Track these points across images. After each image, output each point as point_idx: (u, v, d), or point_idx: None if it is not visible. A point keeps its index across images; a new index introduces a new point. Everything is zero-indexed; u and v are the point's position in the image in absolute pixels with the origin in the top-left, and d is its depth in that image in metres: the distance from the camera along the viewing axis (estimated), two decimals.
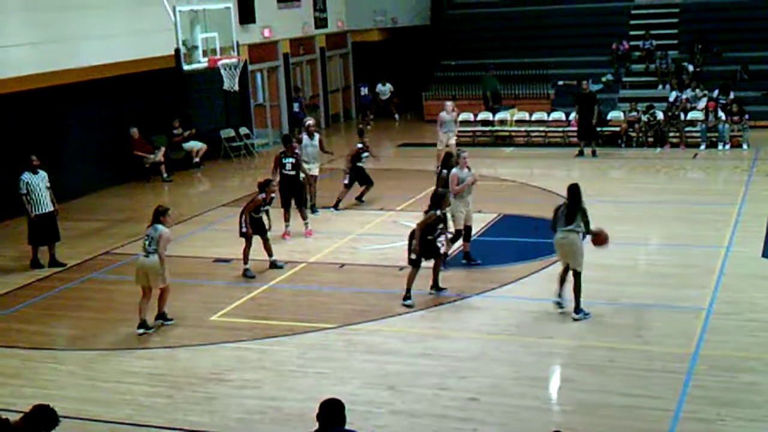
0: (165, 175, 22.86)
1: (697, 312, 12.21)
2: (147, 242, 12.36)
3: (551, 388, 10.59)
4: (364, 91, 31.23)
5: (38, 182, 15.57)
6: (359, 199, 19.33)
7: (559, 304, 12.45)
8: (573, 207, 12.21)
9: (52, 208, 15.81)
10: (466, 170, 14.52)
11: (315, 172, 18.56)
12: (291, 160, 16.97)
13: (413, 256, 13.10)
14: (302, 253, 15.73)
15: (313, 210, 18.40)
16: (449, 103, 22.27)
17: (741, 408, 9.51)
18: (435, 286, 13.49)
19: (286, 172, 16.85)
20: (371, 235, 16.94)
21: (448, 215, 13.94)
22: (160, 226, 12.29)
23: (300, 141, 18.39)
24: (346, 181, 18.91)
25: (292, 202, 17.01)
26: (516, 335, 11.81)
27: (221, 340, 12.13)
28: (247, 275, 14.64)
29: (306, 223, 17.07)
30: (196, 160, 24.30)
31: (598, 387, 10.20)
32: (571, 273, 12.27)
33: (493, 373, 10.69)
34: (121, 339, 12.44)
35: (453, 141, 21.68)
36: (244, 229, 14.62)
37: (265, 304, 13.52)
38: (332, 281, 14.47)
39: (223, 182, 22.99)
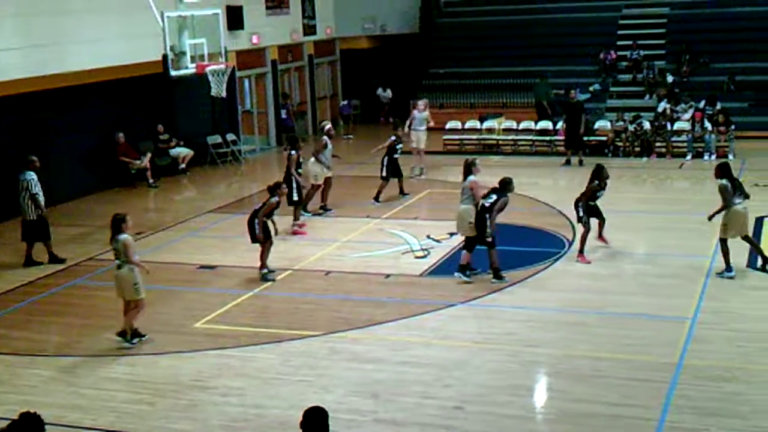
0: (151, 181, 22.79)
1: (682, 322, 12.22)
2: (115, 255, 12.18)
3: (536, 397, 10.56)
4: (344, 103, 31.26)
5: (38, 181, 15.97)
6: (401, 193, 20.07)
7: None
8: (735, 181, 14.02)
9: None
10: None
11: (329, 174, 19.13)
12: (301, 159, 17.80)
13: (489, 238, 13.91)
14: (288, 260, 15.67)
15: (326, 210, 19.11)
16: (421, 102, 23.14)
17: (725, 418, 9.50)
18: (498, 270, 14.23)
19: (301, 170, 17.64)
20: (357, 242, 16.90)
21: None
22: (121, 236, 12.02)
23: (324, 146, 18.81)
24: (384, 174, 19.60)
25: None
26: (501, 343, 11.77)
27: (205, 347, 12.05)
28: (267, 279, 14.63)
29: (295, 224, 17.52)
30: (183, 166, 24.24)
31: (582, 396, 10.19)
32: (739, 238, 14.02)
33: (477, 382, 10.66)
34: (104, 345, 12.33)
35: (423, 142, 22.53)
36: (258, 234, 14.66)
37: (249, 312, 13.46)
38: (317, 288, 14.41)
39: (210, 189, 22.93)
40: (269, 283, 14.54)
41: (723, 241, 13.99)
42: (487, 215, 13.91)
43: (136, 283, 12.03)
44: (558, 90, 28.05)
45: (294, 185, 17.38)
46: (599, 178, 15.30)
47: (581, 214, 15.18)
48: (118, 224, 12.10)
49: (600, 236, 15.60)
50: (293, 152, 17.66)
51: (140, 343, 12.21)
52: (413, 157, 22.81)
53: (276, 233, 15.17)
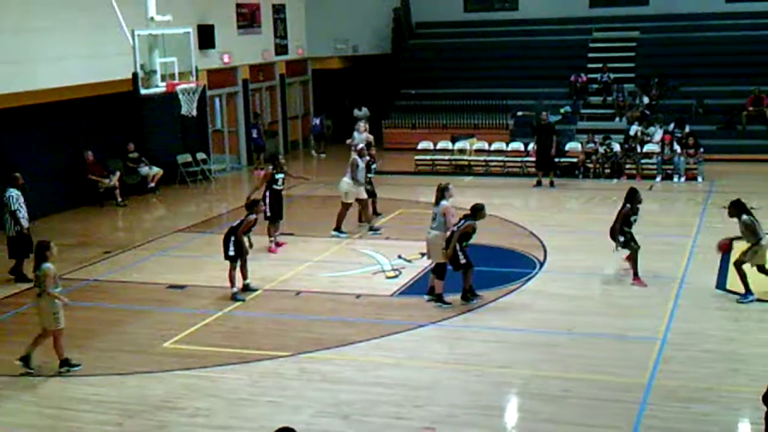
0: (119, 199, 22.62)
1: (652, 342, 12.25)
2: (34, 283, 11.90)
3: (506, 417, 10.52)
4: (316, 121, 31.33)
5: (22, 199, 16.20)
6: (375, 213, 19.87)
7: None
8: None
9: (27, 225, 16.30)
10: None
11: (364, 195, 18.93)
12: (282, 175, 17.67)
13: (462, 261, 13.73)
14: (258, 280, 15.55)
15: (374, 229, 18.84)
16: (361, 124, 23.43)
17: None
18: (471, 292, 14.07)
19: (278, 187, 17.59)
20: (328, 262, 16.83)
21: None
22: (44, 265, 11.70)
23: (355, 165, 18.71)
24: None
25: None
26: (471, 364, 11.74)
27: (173, 368, 11.93)
28: (237, 298, 14.53)
29: (272, 240, 17.59)
30: (152, 184, 24.09)
31: (552, 417, 10.17)
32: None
33: (447, 402, 10.62)
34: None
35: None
36: (231, 252, 14.54)
37: (218, 332, 13.34)
38: (288, 308, 14.32)
39: (179, 207, 22.78)
40: (239, 303, 14.44)
41: (741, 265, 13.71)
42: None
43: (56, 313, 11.68)
44: (529, 112, 28.20)
45: (267, 201, 17.37)
46: (632, 201, 14.82)
47: (622, 239, 14.75)
48: (41, 252, 11.81)
49: (628, 257, 15.13)
50: (270, 168, 17.78)
51: (66, 371, 11.84)
52: None
53: (251, 246, 15.00)
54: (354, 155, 19.02)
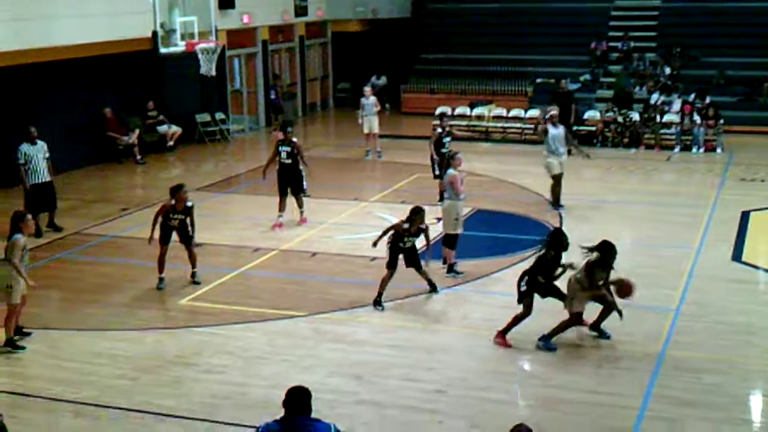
0: (138, 157, 22.71)
1: (666, 313, 12.29)
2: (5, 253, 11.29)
3: (516, 382, 10.60)
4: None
5: (36, 153, 16.24)
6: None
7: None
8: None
9: (49, 178, 16.37)
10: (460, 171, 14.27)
11: (561, 169, 17.76)
12: (287, 148, 16.39)
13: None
14: (275, 240, 15.66)
15: (558, 206, 17.70)
16: (368, 89, 23.52)
17: (704, 408, 9.59)
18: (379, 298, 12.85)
19: (282, 160, 16.43)
20: (345, 224, 16.89)
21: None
22: (15, 235, 11.13)
23: (545, 132, 17.73)
24: (436, 172, 17.86)
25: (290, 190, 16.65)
26: (485, 329, 11.78)
27: (189, 324, 12.07)
28: (159, 287, 13.46)
29: (302, 211, 16.77)
30: (171, 143, 24.15)
31: (563, 383, 10.24)
32: None
33: (460, 366, 10.70)
34: (89, 319, 12.34)
35: (376, 126, 22.99)
36: (157, 235, 13.49)
37: (235, 290, 13.45)
38: (303, 269, 14.42)
39: (197, 167, 22.84)
40: (257, 261, 14.50)
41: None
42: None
43: (10, 286, 11.15)
44: (548, 79, 28.07)
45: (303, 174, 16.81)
46: (556, 248, 11.43)
47: (523, 287, 11.35)
48: (15, 222, 11.27)
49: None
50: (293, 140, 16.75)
51: (20, 339, 11.48)
52: (368, 141, 23.21)
53: (192, 235, 13.71)
54: (548, 124, 17.94)
